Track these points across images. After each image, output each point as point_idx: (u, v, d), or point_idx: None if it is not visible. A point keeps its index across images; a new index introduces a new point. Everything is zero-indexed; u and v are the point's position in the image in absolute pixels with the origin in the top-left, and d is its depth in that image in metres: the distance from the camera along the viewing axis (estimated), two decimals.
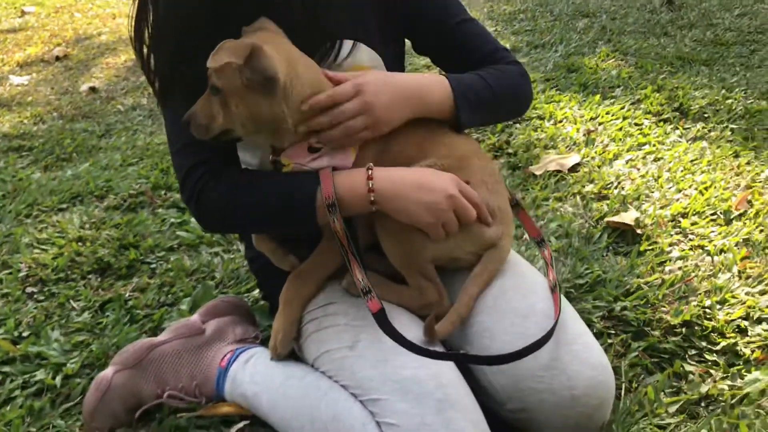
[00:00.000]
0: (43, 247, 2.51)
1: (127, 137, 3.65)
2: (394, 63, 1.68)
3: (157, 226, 2.60)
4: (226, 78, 1.36)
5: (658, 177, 2.64)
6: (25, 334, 2.01)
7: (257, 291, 2.13)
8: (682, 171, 2.67)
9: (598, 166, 2.78)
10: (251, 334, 1.78)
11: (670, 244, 2.20)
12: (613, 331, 1.82)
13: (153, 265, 2.35)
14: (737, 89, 3.49)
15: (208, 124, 1.41)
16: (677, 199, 2.47)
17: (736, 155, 2.77)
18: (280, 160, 1.49)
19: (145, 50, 1.53)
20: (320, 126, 1.41)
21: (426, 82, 1.54)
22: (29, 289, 2.26)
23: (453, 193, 1.43)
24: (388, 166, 1.46)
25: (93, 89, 4.61)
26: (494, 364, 1.38)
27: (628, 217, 2.32)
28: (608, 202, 2.49)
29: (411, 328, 1.44)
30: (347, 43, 1.57)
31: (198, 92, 1.42)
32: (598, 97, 3.48)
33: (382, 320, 1.36)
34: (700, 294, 1.93)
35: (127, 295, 2.17)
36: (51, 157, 3.44)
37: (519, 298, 1.47)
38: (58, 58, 5.47)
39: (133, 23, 1.52)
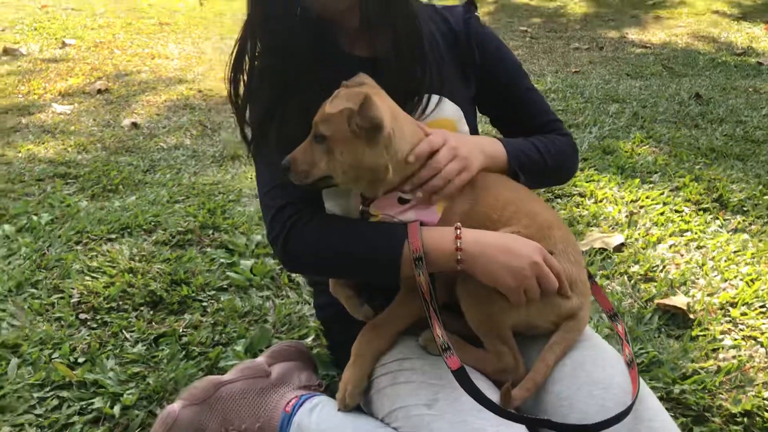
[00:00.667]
0: (94, 275, 2.52)
1: (172, 175, 3.70)
2: (472, 121, 1.74)
3: (206, 265, 2.62)
4: (335, 125, 1.41)
5: (703, 264, 2.68)
6: (80, 360, 2.02)
7: (310, 339, 2.14)
8: (725, 261, 2.71)
9: (643, 248, 2.82)
10: (315, 382, 1.79)
11: (722, 332, 2.22)
12: (672, 414, 1.83)
13: (204, 303, 2.37)
14: None
15: (309, 170, 1.45)
16: (724, 288, 2.50)
17: None
18: (369, 211, 1.53)
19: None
20: (422, 180, 1.47)
21: (482, 139, 1.64)
22: (82, 316, 2.27)
23: (538, 260, 1.46)
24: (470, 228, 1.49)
25: (135, 125, 4.68)
26: None
27: (679, 300, 2.34)
28: (656, 284, 2.52)
29: (486, 391, 1.44)
30: (434, 98, 1.64)
31: (290, 140, 1.48)
32: (637, 180, 3.55)
33: (463, 378, 1.37)
34: (757, 385, 1.94)
35: (181, 330, 2.18)
36: (98, 187, 3.47)
37: (598, 370, 1.48)
38: (99, 91, 5.57)
39: (229, 74, 1.59)
